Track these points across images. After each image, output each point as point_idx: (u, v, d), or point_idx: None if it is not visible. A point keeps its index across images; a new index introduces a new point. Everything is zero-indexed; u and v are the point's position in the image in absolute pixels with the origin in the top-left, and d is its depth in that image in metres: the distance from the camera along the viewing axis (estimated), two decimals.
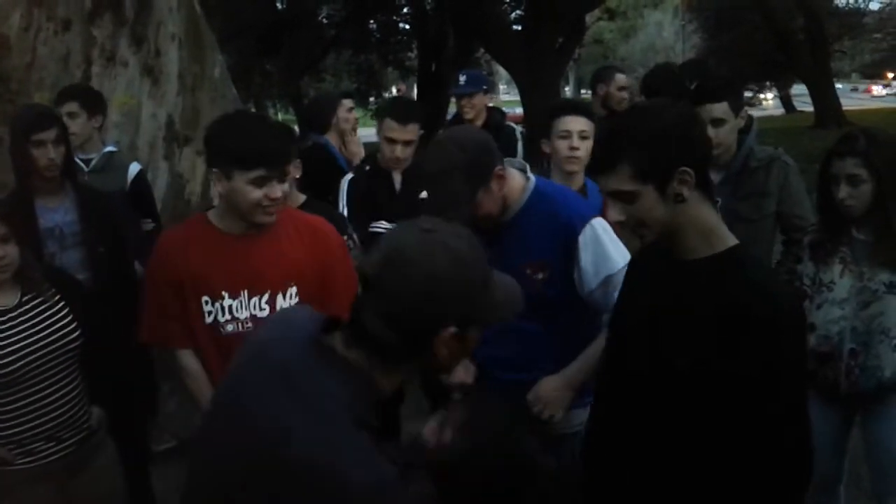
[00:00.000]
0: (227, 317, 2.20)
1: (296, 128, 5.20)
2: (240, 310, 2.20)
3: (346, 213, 3.31)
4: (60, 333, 2.27)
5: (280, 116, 30.56)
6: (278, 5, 19.47)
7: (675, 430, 1.58)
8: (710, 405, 1.51)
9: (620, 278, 2.08)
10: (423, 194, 3.08)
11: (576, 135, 2.88)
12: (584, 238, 2.14)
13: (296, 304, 2.20)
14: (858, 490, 2.82)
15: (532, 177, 2.25)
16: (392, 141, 3.29)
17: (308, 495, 1.14)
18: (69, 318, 2.30)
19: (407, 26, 22.46)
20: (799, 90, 27.12)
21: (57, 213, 2.98)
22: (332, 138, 4.23)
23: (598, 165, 1.60)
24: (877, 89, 47.09)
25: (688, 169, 1.52)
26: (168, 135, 4.35)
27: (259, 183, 2.07)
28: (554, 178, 3.01)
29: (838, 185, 2.36)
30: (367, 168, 3.51)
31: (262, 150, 2.06)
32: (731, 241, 1.60)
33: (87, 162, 3.47)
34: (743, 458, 1.49)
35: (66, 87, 3.60)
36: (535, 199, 2.19)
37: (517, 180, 2.20)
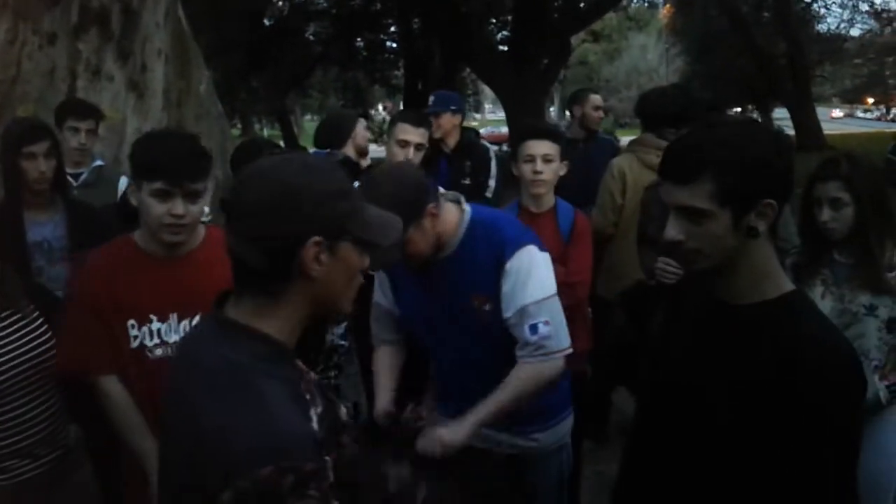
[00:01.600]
0: (156, 340, 2.14)
1: (282, 143, 5.20)
2: (169, 333, 2.14)
3: None
4: (38, 350, 2.24)
5: (266, 132, 30.57)
6: (265, 21, 19.51)
7: (716, 486, 1.45)
8: (754, 466, 1.38)
9: (539, 311, 2.09)
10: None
11: (539, 158, 2.92)
12: (510, 264, 2.11)
13: None
14: None
15: (467, 207, 2.22)
16: (405, 143, 3.47)
17: (210, 463, 1.11)
18: (47, 335, 2.28)
19: (394, 45, 22.58)
20: (781, 114, 27.47)
21: (46, 227, 2.93)
22: (349, 153, 4.27)
23: (676, 174, 1.41)
24: (835, 112, 48.02)
25: (773, 202, 1.38)
26: None
27: (161, 197, 2.02)
28: (524, 200, 3.07)
29: (821, 209, 2.38)
30: None
31: (163, 161, 2.02)
32: (788, 286, 1.46)
33: (76, 177, 3.44)
34: None
35: (84, 103, 3.58)
36: (472, 229, 2.17)
37: (452, 214, 2.17)
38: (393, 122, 3.74)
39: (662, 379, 1.61)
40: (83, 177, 3.47)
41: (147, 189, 2.03)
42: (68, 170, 3.32)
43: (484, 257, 2.13)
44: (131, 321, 2.13)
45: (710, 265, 1.43)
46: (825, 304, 2.42)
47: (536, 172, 2.93)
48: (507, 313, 2.13)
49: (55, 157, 2.90)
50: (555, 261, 2.96)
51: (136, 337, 2.14)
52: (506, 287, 2.12)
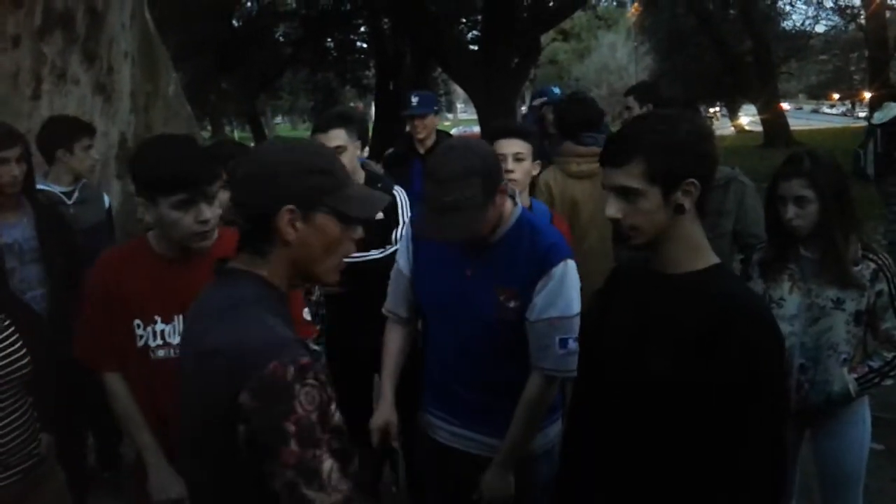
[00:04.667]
0: (159, 341, 2.15)
1: (252, 145, 5.17)
2: (172, 335, 2.15)
3: None
4: (9, 360, 2.21)
5: (237, 135, 30.31)
6: (234, 23, 19.36)
7: (655, 442, 1.59)
8: (691, 417, 1.53)
9: (572, 326, 2.12)
10: (380, 215, 3.10)
11: (510, 157, 2.89)
12: (556, 270, 2.13)
13: None
14: (810, 503, 2.87)
15: (519, 202, 2.27)
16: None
17: (222, 374, 1.27)
18: (18, 344, 2.24)
19: (364, 45, 22.52)
20: (749, 110, 27.85)
21: (16, 229, 3.00)
22: None
23: (611, 158, 1.59)
24: (786, 106, 48.32)
25: (695, 181, 1.55)
26: (120, 153, 4.29)
27: (183, 207, 2.03)
28: None
29: (785, 206, 2.42)
30: None
31: (180, 172, 2.01)
32: (714, 259, 1.63)
33: (68, 195, 3.46)
34: (723, 468, 1.51)
35: (84, 123, 3.60)
36: (520, 225, 2.20)
37: (508, 203, 2.21)
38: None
39: (603, 345, 1.74)
40: (75, 195, 3.49)
41: (166, 203, 2.02)
42: (62, 188, 3.44)
43: (526, 255, 2.15)
44: (137, 320, 2.15)
45: (646, 240, 1.60)
46: (793, 299, 2.46)
47: (507, 171, 2.93)
48: (536, 316, 2.13)
49: (26, 162, 2.96)
50: None
51: (141, 336, 2.16)
52: (543, 291, 2.12)
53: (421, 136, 4.31)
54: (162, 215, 2.04)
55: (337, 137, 3.05)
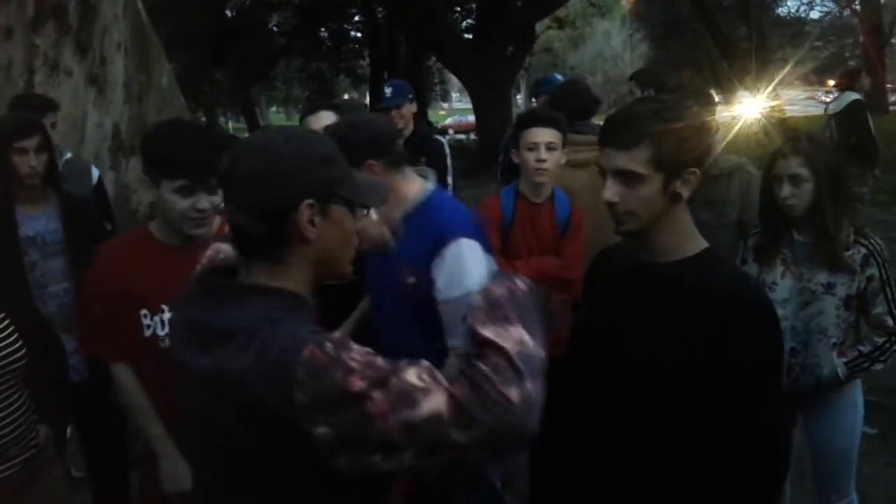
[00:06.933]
0: (168, 330, 2.14)
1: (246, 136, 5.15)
2: None
3: None
4: (6, 352, 2.21)
5: (231, 125, 30.22)
6: (228, 13, 19.27)
7: (645, 432, 1.59)
8: (697, 404, 1.52)
9: (468, 302, 2.10)
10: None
11: (543, 146, 2.88)
12: (446, 251, 2.10)
13: None
14: (803, 487, 2.90)
15: (431, 186, 2.25)
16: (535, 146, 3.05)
17: (260, 395, 1.15)
18: (14, 336, 2.25)
19: (358, 34, 22.45)
20: (745, 96, 27.72)
21: (39, 221, 2.93)
22: None
23: (618, 141, 1.55)
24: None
25: (696, 171, 1.55)
26: (114, 145, 4.28)
27: (184, 193, 2.05)
28: (522, 187, 3.03)
29: (780, 185, 2.43)
30: None
31: (186, 159, 2.03)
32: (703, 244, 1.64)
33: None
34: (729, 449, 1.52)
35: (37, 96, 3.53)
36: (424, 206, 2.19)
37: (412, 185, 2.21)
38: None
39: (590, 332, 1.75)
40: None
41: (168, 186, 2.05)
42: None
43: (424, 234, 2.13)
44: (143, 311, 2.16)
45: (639, 227, 1.59)
46: (785, 283, 2.48)
47: (540, 161, 2.88)
48: (441, 297, 2.11)
49: (46, 152, 2.90)
50: (549, 251, 2.98)
51: (148, 326, 2.16)
52: (440, 272, 2.10)
53: (398, 126, 4.26)
54: (162, 198, 2.08)
55: (327, 119, 3.02)
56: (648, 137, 1.52)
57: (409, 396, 1.11)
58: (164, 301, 2.14)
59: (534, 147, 2.90)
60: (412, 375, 1.13)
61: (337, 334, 1.21)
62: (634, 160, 1.53)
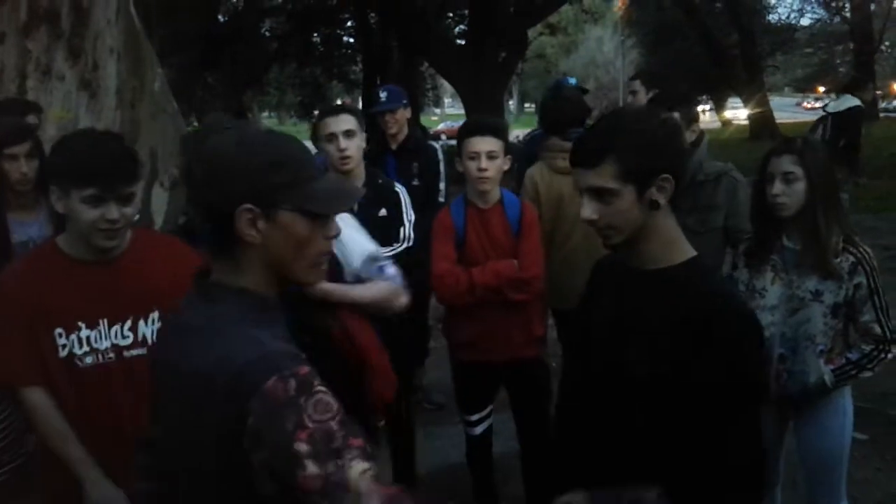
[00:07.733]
0: (86, 348, 2.06)
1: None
2: (99, 340, 2.07)
3: None
4: None
5: None
6: (220, 18, 19.26)
7: (638, 435, 1.61)
8: (671, 412, 1.55)
9: (371, 263, 2.25)
10: (383, 212, 3.10)
11: (483, 155, 2.93)
12: None
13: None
14: (794, 492, 2.91)
15: None
16: (333, 137, 3.02)
17: (214, 398, 1.18)
18: None
19: (351, 40, 22.48)
20: (736, 103, 27.91)
21: (31, 227, 2.90)
22: None
23: (584, 160, 1.59)
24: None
25: (669, 177, 1.56)
26: None
27: (93, 202, 1.96)
28: (470, 196, 3.08)
29: (772, 183, 2.43)
30: None
31: (95, 167, 1.95)
32: (691, 252, 1.65)
33: None
34: (706, 459, 1.53)
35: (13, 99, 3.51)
36: None
37: None
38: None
39: (587, 340, 1.76)
40: None
41: (78, 196, 1.95)
42: None
43: None
44: (58, 329, 2.05)
45: (623, 238, 1.61)
46: (774, 290, 2.49)
47: (481, 170, 2.94)
48: (352, 272, 2.24)
49: (37, 158, 2.87)
50: (507, 254, 3.00)
51: (64, 346, 2.06)
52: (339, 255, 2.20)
53: (392, 130, 4.24)
54: (70, 208, 1.98)
55: (347, 122, 3.00)
56: (613, 152, 1.54)
57: (340, 490, 1.12)
58: (80, 318, 2.06)
59: (475, 156, 2.96)
60: (354, 470, 1.13)
61: (304, 369, 1.19)
62: (602, 176, 1.55)
